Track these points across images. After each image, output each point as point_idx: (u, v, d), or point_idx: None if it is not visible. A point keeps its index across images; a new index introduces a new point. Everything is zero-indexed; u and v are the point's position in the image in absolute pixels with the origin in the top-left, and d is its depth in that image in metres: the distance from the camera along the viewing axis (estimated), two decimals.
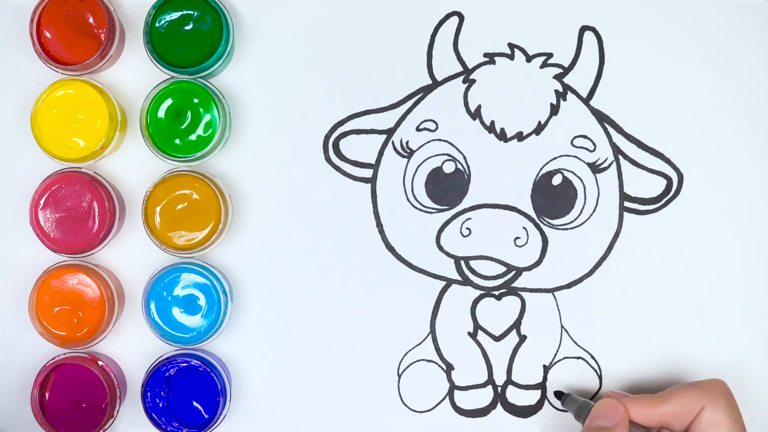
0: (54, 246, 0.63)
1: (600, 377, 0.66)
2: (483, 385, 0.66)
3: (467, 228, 0.66)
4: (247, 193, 0.66)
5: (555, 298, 0.66)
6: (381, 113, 0.66)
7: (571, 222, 0.66)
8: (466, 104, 0.66)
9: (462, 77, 0.66)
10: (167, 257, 0.65)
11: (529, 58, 0.66)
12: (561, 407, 0.65)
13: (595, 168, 0.66)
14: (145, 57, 0.64)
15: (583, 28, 0.66)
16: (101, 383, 0.63)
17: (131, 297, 0.66)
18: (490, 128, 0.66)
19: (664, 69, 0.66)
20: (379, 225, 0.66)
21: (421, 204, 0.66)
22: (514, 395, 0.66)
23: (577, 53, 0.66)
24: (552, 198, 0.66)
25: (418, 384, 0.66)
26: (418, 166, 0.66)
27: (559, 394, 0.65)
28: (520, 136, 0.66)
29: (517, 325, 0.66)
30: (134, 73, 0.66)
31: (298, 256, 0.66)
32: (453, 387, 0.66)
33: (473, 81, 0.66)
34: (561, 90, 0.66)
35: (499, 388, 0.66)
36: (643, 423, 0.60)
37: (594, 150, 0.66)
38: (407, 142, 0.66)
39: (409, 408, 0.66)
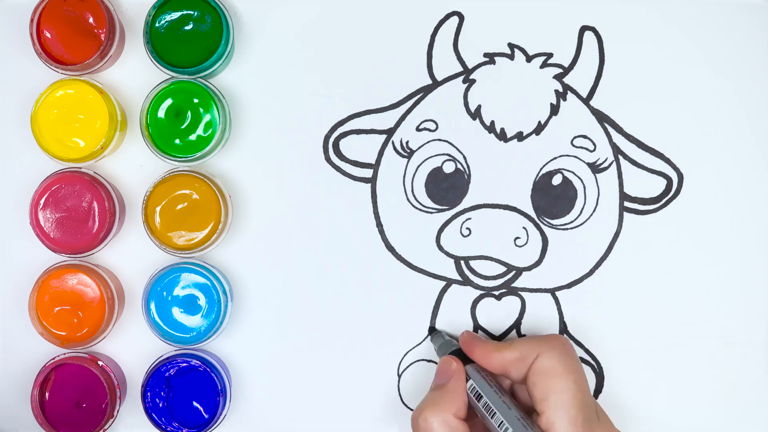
0: (54, 246, 0.63)
1: (600, 377, 0.66)
2: None
3: (467, 228, 0.66)
4: (247, 193, 0.66)
5: (555, 298, 0.66)
6: (381, 113, 0.66)
7: (571, 222, 0.66)
8: (466, 104, 0.66)
9: (462, 77, 0.66)
10: (167, 257, 0.65)
11: (529, 58, 0.66)
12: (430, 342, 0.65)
13: (595, 168, 0.66)
14: (145, 57, 0.64)
15: (583, 28, 0.66)
16: (101, 383, 0.63)
17: (131, 297, 0.66)
18: (490, 128, 0.66)
19: (664, 69, 0.66)
20: (379, 225, 0.66)
21: (421, 204, 0.66)
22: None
23: (577, 53, 0.66)
24: (552, 198, 0.66)
25: (418, 384, 0.66)
26: (418, 166, 0.66)
27: (431, 330, 0.65)
28: (520, 136, 0.66)
29: (517, 325, 0.66)
30: (134, 73, 0.66)
31: (298, 256, 0.66)
32: None
33: (473, 81, 0.66)
34: (561, 90, 0.66)
35: None
36: (485, 367, 0.61)
37: (594, 150, 0.66)
38: (407, 142, 0.66)
39: (409, 408, 0.66)
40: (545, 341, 0.60)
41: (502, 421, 0.58)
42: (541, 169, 0.66)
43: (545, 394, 0.58)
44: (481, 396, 0.60)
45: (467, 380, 0.60)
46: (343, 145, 0.66)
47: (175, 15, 0.63)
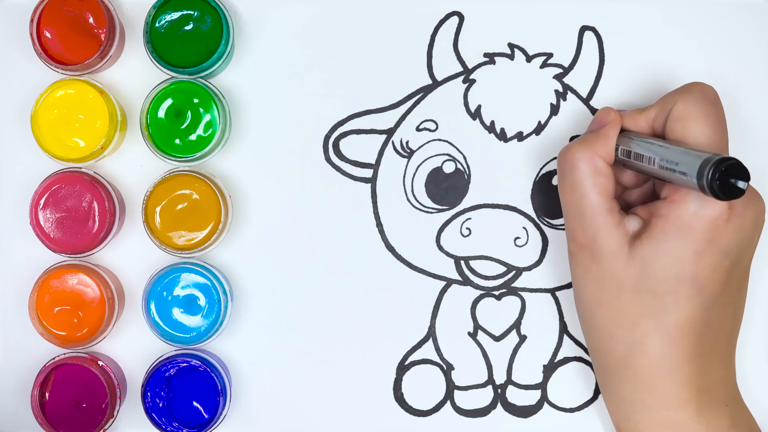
0: (54, 246, 0.63)
1: None
2: (483, 385, 0.66)
3: (467, 228, 0.66)
4: (247, 193, 0.66)
5: (555, 298, 0.66)
6: (381, 113, 0.66)
7: None
8: (466, 104, 0.66)
9: (462, 77, 0.66)
10: (167, 257, 0.65)
11: (529, 58, 0.66)
12: None
13: None
14: (145, 57, 0.64)
15: (583, 28, 0.66)
16: (101, 383, 0.63)
17: (131, 297, 0.66)
18: (490, 128, 0.66)
19: (665, 69, 0.66)
20: (379, 225, 0.66)
21: (421, 204, 0.66)
22: (514, 395, 0.66)
23: (577, 53, 0.66)
24: (552, 198, 0.66)
25: (418, 384, 0.66)
26: (418, 166, 0.66)
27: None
28: (520, 136, 0.66)
29: (517, 325, 0.66)
30: (134, 73, 0.66)
31: (298, 256, 0.66)
32: (453, 387, 0.66)
33: (473, 81, 0.66)
34: (561, 90, 0.66)
35: (499, 388, 0.66)
36: (635, 129, 0.60)
37: None
38: (407, 142, 0.66)
39: (409, 408, 0.66)
40: (684, 88, 0.58)
41: (662, 158, 0.56)
42: (541, 169, 0.66)
43: (682, 140, 0.57)
44: (632, 150, 0.58)
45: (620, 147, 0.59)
46: (343, 145, 0.66)
47: (175, 15, 0.63)
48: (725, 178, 0.52)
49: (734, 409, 0.59)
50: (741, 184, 0.52)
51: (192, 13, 0.63)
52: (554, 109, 0.66)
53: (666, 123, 0.58)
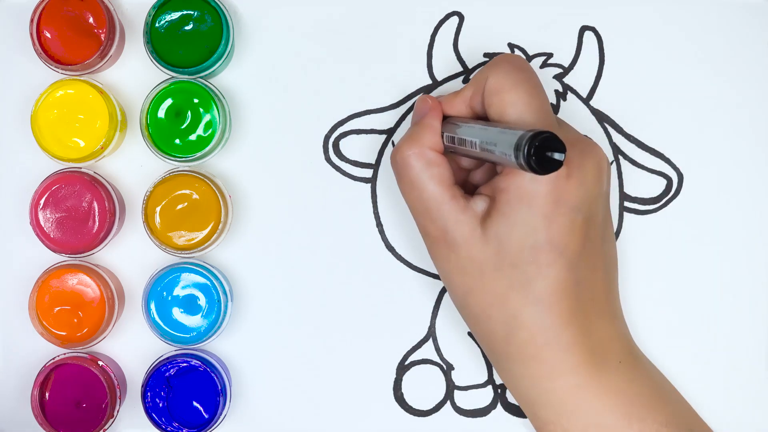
0: (54, 246, 0.63)
1: None
2: (483, 385, 0.66)
3: None
4: (247, 193, 0.66)
5: None
6: (381, 113, 0.66)
7: None
8: None
9: (462, 77, 0.66)
10: (167, 257, 0.65)
11: (529, 58, 0.66)
12: None
13: None
14: (145, 57, 0.64)
15: (583, 28, 0.66)
16: (101, 383, 0.63)
17: (131, 297, 0.66)
18: None
19: (665, 69, 0.66)
20: (379, 225, 0.66)
21: None
22: None
23: (577, 53, 0.66)
24: None
25: (418, 384, 0.66)
26: None
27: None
28: None
29: None
30: (134, 73, 0.66)
31: (299, 256, 0.66)
32: (453, 387, 0.66)
33: None
34: (561, 90, 0.66)
35: (499, 388, 0.66)
36: (456, 114, 0.60)
37: None
38: None
39: (409, 409, 0.66)
40: (492, 62, 0.58)
41: (482, 141, 0.55)
42: None
43: (500, 111, 0.56)
44: (455, 136, 0.57)
45: (446, 133, 0.59)
46: (343, 145, 0.66)
47: (175, 15, 0.63)
48: (540, 152, 0.50)
49: (629, 364, 0.59)
50: (557, 156, 0.50)
51: (192, 13, 0.63)
52: (554, 110, 0.66)
53: (483, 100, 0.57)
